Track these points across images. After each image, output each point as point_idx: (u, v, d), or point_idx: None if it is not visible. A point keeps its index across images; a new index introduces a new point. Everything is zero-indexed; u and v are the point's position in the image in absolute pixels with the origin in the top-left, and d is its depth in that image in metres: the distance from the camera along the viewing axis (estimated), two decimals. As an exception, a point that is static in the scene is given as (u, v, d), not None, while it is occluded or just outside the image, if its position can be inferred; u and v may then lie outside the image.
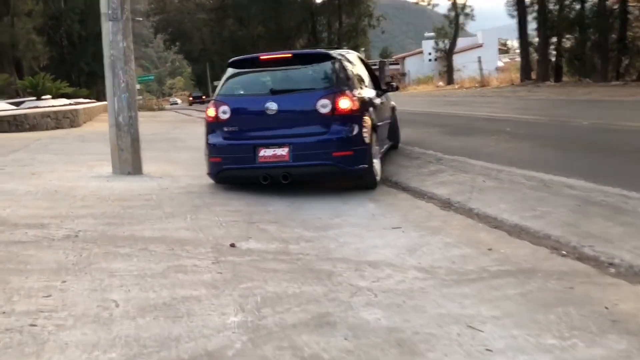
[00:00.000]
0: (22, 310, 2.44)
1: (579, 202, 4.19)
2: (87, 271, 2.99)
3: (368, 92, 6.02)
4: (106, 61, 6.20)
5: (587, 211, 3.99)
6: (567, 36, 25.68)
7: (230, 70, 5.66)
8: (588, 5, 24.42)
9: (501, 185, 4.99)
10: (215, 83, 53.61)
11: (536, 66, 27.34)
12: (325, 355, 2.11)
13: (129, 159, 6.18)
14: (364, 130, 5.20)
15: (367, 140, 5.21)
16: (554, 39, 26.09)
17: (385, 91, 7.14)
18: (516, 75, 28.86)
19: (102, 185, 5.52)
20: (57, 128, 13.55)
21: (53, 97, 19.47)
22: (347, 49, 6.82)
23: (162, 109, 42.91)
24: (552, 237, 3.58)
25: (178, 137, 12.37)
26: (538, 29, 26.43)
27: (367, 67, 6.92)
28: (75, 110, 15.34)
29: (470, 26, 46.65)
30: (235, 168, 5.25)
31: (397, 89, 8.07)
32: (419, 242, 3.67)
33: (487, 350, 2.16)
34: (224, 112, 5.30)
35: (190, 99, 60.71)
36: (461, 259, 3.29)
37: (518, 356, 2.11)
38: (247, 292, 2.74)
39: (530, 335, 2.27)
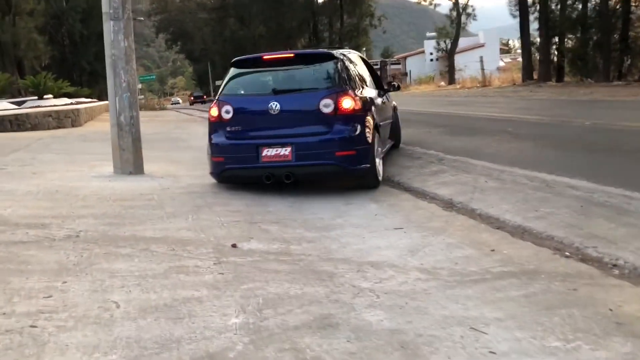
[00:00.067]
0: (22, 311, 2.43)
1: (582, 202, 4.16)
2: (88, 272, 2.98)
3: (370, 92, 6.03)
4: (108, 61, 6.19)
5: (590, 212, 3.96)
6: (569, 36, 25.61)
7: (233, 70, 5.67)
8: (590, 5, 24.36)
9: (503, 186, 4.96)
10: (217, 82, 53.66)
11: (538, 66, 27.28)
12: (327, 357, 2.09)
13: (130, 158, 6.17)
14: (367, 129, 5.21)
15: (369, 139, 5.22)
16: (556, 39, 26.04)
17: (386, 91, 7.14)
18: (518, 75, 28.81)
19: (104, 185, 5.51)
20: (59, 127, 13.55)
21: (55, 97, 19.48)
22: (349, 48, 6.81)
23: (163, 108, 42.92)
24: (555, 238, 3.56)
25: (179, 137, 12.37)
26: (540, 29, 26.37)
27: (369, 66, 6.91)
28: (77, 109, 15.34)
29: (471, 26, 46.61)
30: (238, 168, 5.26)
31: (398, 88, 8.07)
32: (421, 243, 3.65)
33: (491, 352, 2.14)
34: (227, 112, 5.31)
35: (191, 98, 60.74)
36: (464, 260, 3.27)
37: (522, 359, 2.09)
38: (249, 293, 2.72)
39: (534, 338, 2.25)
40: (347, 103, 5.11)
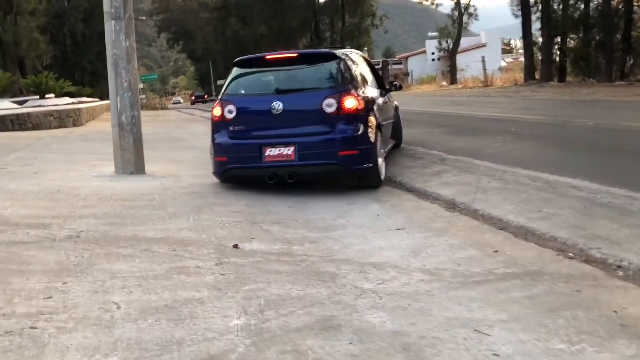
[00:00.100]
0: (22, 312, 2.41)
1: (585, 203, 4.14)
2: (89, 272, 2.97)
3: (372, 92, 6.02)
4: (109, 60, 6.18)
5: (594, 213, 3.94)
6: (572, 36, 25.55)
7: (235, 70, 5.68)
8: (592, 4, 24.31)
9: (506, 186, 4.94)
10: (219, 82, 53.77)
11: (540, 66, 27.22)
12: (329, 360, 2.08)
13: (131, 158, 6.15)
14: (369, 129, 5.21)
15: (372, 139, 5.22)
16: (558, 39, 25.98)
17: (388, 90, 7.13)
18: (520, 75, 28.74)
19: (105, 185, 5.50)
20: (60, 127, 13.54)
21: (56, 96, 19.48)
22: (350, 48, 6.80)
23: (165, 108, 42.95)
24: (558, 239, 3.54)
25: (181, 137, 12.35)
26: (542, 29, 26.30)
27: (371, 66, 6.90)
28: (78, 109, 15.34)
29: (473, 26, 46.50)
30: (241, 167, 5.27)
31: (400, 88, 8.05)
32: (423, 244, 3.63)
33: (495, 355, 2.12)
34: (230, 112, 5.31)
35: (192, 98, 60.77)
36: (467, 261, 3.25)
37: (526, 362, 2.07)
38: (251, 294, 2.70)
39: (538, 340, 2.23)
40: (349, 103, 5.11)
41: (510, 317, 2.45)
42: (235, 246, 3.53)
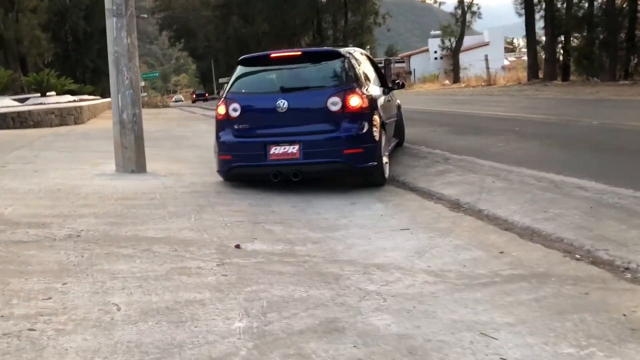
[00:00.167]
0: (21, 314, 2.37)
1: (591, 203, 4.09)
2: (89, 273, 2.93)
3: (376, 90, 6.02)
4: (110, 58, 6.14)
5: (600, 213, 3.89)
6: (575, 35, 25.44)
7: (240, 68, 5.67)
8: (596, 3, 24.19)
9: (511, 186, 4.89)
10: (221, 80, 53.76)
11: (543, 65, 27.12)
12: (333, 364, 2.04)
13: (132, 157, 6.11)
14: (374, 127, 5.22)
15: (376, 137, 5.24)
16: (562, 38, 25.87)
17: (391, 89, 7.11)
18: (523, 74, 28.63)
19: (105, 184, 5.46)
20: (61, 125, 13.51)
21: (57, 94, 19.44)
22: (353, 46, 6.77)
23: (166, 106, 42.93)
24: (565, 240, 3.50)
25: (182, 135, 12.32)
26: (545, 27, 26.21)
27: (374, 64, 6.88)
28: (80, 107, 15.31)
29: (476, 24, 46.33)
30: (245, 165, 5.27)
31: (403, 86, 8.03)
32: (428, 244, 3.59)
33: (502, 359, 2.08)
34: (235, 110, 5.30)
35: (193, 96, 60.77)
36: (472, 263, 3.20)
37: (535, 366, 2.03)
38: (253, 296, 2.66)
39: (547, 344, 2.19)
40: (354, 101, 5.11)
41: (518, 320, 2.40)
42: (237, 246, 3.49)
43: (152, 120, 17.11)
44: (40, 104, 15.75)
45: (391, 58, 50.21)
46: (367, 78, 5.86)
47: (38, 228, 3.73)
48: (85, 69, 41.22)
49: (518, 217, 4.06)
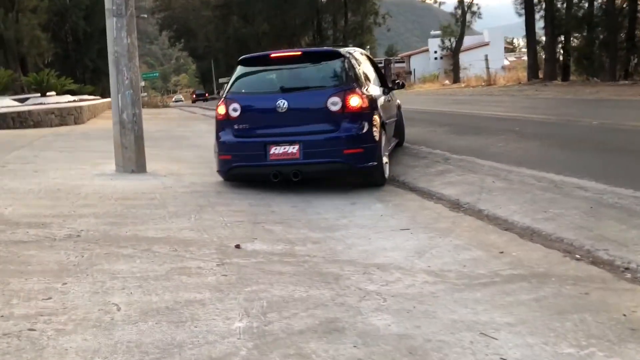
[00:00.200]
0: (21, 314, 2.37)
1: (592, 204, 4.09)
2: (89, 273, 2.93)
3: (376, 90, 6.02)
4: (110, 58, 6.14)
5: (600, 213, 3.89)
6: (575, 35, 25.42)
7: (240, 68, 5.68)
8: (596, 3, 24.18)
9: (511, 186, 4.89)
10: (221, 80, 53.71)
11: (543, 65, 27.12)
12: (333, 364, 2.04)
13: (132, 157, 6.11)
14: (374, 127, 5.23)
15: (376, 137, 5.24)
16: (562, 38, 25.86)
17: (391, 89, 7.11)
18: (523, 74, 28.62)
19: (105, 184, 5.46)
20: (61, 125, 13.51)
21: (57, 94, 19.43)
22: (353, 46, 6.78)
23: (166, 106, 42.92)
24: (565, 240, 3.50)
25: (182, 135, 12.31)
26: (545, 27, 26.20)
27: (374, 64, 6.88)
28: (80, 107, 15.31)
29: (476, 24, 46.30)
30: (245, 165, 5.27)
31: (403, 86, 8.03)
32: (428, 244, 3.59)
33: (502, 359, 2.08)
34: (235, 110, 5.31)
35: (193, 96, 60.78)
36: (472, 263, 3.20)
37: (535, 366, 2.03)
38: (253, 296, 2.66)
39: (546, 344, 2.19)
40: (354, 101, 5.12)
41: (518, 320, 2.40)
42: (238, 246, 3.49)
43: (152, 120, 17.10)
44: (40, 104, 15.74)
45: (391, 58, 50.20)
46: (367, 78, 5.86)
47: (38, 228, 3.73)
48: (85, 69, 41.22)
49: (518, 217, 4.06)
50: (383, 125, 5.58)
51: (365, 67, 6.08)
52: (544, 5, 26.23)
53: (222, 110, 5.41)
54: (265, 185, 5.42)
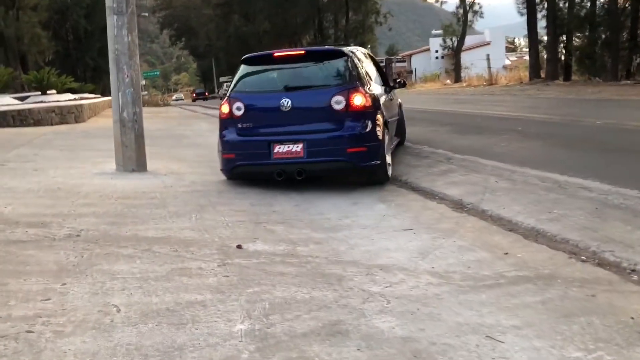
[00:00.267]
0: (19, 315, 2.34)
1: (596, 204, 4.05)
2: (88, 273, 2.89)
3: (379, 89, 6.02)
4: (111, 56, 6.10)
5: (605, 214, 3.85)
6: (577, 34, 25.36)
7: (243, 67, 5.69)
8: (599, 3, 24.12)
9: (514, 186, 4.85)
10: (221, 79, 53.62)
11: (545, 64, 27.06)
12: (337, 367, 2.00)
13: (133, 155, 6.07)
14: (377, 126, 5.24)
15: (380, 136, 5.26)
16: (564, 37, 25.80)
17: (392, 88, 7.09)
18: (525, 74, 28.56)
19: (106, 183, 5.42)
20: (62, 123, 13.46)
21: (58, 92, 19.41)
22: (354, 45, 6.76)
23: (167, 104, 42.87)
24: (570, 242, 3.45)
25: (183, 134, 12.28)
26: (547, 27, 26.11)
27: (376, 63, 6.87)
28: (80, 105, 15.26)
29: (477, 24, 46.20)
30: (249, 164, 5.28)
31: (404, 85, 8.01)
32: (431, 245, 3.55)
33: (509, 363, 2.04)
34: (238, 109, 5.32)
35: (194, 95, 60.76)
36: (476, 264, 3.16)
37: (542, 371, 1.99)
38: (255, 297, 2.62)
39: (553, 347, 2.15)
40: (358, 100, 5.13)
41: (524, 323, 2.36)
42: (239, 247, 3.45)
43: (153, 119, 17.07)
44: (41, 102, 15.70)
45: (392, 57, 50.10)
46: (369, 77, 5.86)
47: (37, 227, 3.69)
48: (86, 67, 41.19)
49: (522, 217, 4.01)
50: (386, 124, 5.58)
51: (367, 66, 6.09)
52: (546, 5, 26.16)
53: (225, 109, 5.41)
54: (267, 184, 5.39)
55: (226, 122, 5.41)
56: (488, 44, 48.90)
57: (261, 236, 3.74)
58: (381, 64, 7.55)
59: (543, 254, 3.29)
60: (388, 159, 5.59)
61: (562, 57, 26.12)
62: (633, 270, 2.96)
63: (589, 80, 23.04)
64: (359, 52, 6.15)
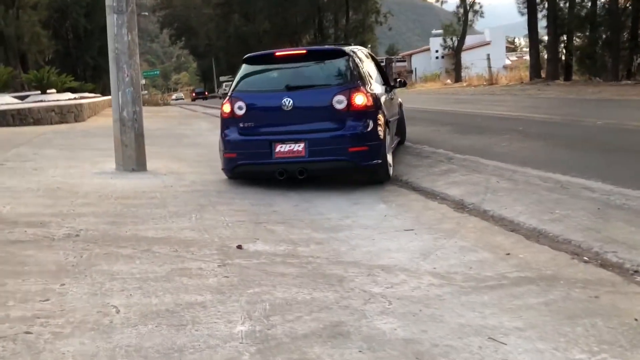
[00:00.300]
0: (17, 316, 2.31)
1: (599, 205, 4.03)
2: (88, 273, 2.86)
3: (379, 88, 6.02)
4: (110, 55, 6.07)
5: (608, 215, 3.83)
6: (578, 34, 25.33)
7: (245, 67, 5.69)
8: (600, 3, 24.08)
9: (516, 187, 4.83)
10: (221, 78, 53.56)
11: (546, 64, 27.02)
12: (339, 370, 1.98)
13: (132, 155, 6.05)
14: (379, 126, 5.25)
15: (381, 135, 5.27)
16: (564, 37, 25.76)
17: (393, 87, 7.08)
18: (525, 74, 28.53)
19: (105, 182, 5.39)
20: (62, 122, 13.43)
21: (58, 91, 19.36)
22: (354, 45, 6.75)
23: (167, 104, 42.83)
24: (572, 242, 3.43)
25: (183, 133, 12.25)
26: (548, 27, 26.06)
27: (377, 63, 6.85)
28: (80, 104, 15.23)
29: (477, 23, 46.14)
30: (251, 163, 5.28)
31: (404, 84, 8.00)
32: (433, 246, 3.52)
33: (512, 365, 2.02)
34: (240, 108, 5.32)
35: (193, 94, 60.74)
36: (478, 264, 3.14)
37: (546, 373, 1.97)
38: (255, 298, 2.60)
39: (557, 349, 2.13)
40: (359, 99, 5.14)
41: (527, 325, 2.34)
42: (239, 247, 3.42)
43: (153, 118, 17.04)
44: (41, 101, 15.66)
45: (392, 57, 50.08)
46: (370, 76, 5.86)
47: (36, 227, 3.66)
48: (85, 66, 41.17)
49: (524, 218, 3.99)
50: (387, 123, 5.59)
51: (368, 66, 6.10)
52: (546, 5, 26.12)
53: (227, 108, 5.41)
54: (267, 184, 5.37)
55: (228, 121, 5.42)
56: (488, 43, 48.86)
57: (261, 236, 3.72)
58: (381, 64, 7.54)
59: (545, 254, 3.27)
60: (389, 158, 5.60)
61: (563, 57, 26.08)
62: (636, 272, 2.94)
63: (590, 80, 23.01)
64: (360, 52, 6.14)
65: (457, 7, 39.71)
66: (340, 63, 5.47)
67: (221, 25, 52.65)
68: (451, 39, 41.20)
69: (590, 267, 3.04)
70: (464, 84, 31.22)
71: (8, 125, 11.89)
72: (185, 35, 64.52)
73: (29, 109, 12.94)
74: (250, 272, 2.97)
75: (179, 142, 10.13)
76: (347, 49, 5.65)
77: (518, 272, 2.99)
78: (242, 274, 2.94)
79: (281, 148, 5.10)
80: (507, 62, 47.05)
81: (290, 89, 5.28)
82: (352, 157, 5.07)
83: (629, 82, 20.01)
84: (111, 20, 5.98)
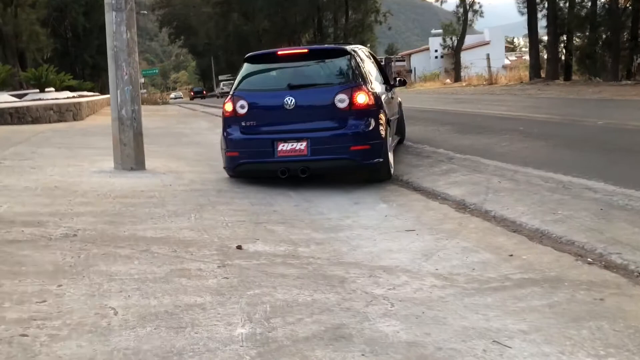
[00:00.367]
0: (13, 318, 2.26)
1: (602, 205, 3.99)
2: (85, 274, 2.82)
3: (380, 87, 6.02)
4: (109, 53, 6.03)
5: (611, 215, 3.79)
6: (578, 34, 25.30)
7: (246, 66, 5.69)
8: (600, 2, 24.06)
9: (518, 187, 4.79)
10: (220, 77, 53.48)
11: (546, 64, 27.00)
12: (341, 374, 1.94)
13: (131, 154, 6.00)
14: (380, 124, 5.26)
15: (382, 134, 5.28)
16: (564, 37, 25.74)
17: (393, 86, 7.07)
18: (525, 73, 28.51)
19: (104, 181, 5.35)
20: (60, 121, 13.38)
21: (56, 90, 19.29)
22: (354, 44, 6.73)
23: (166, 102, 42.76)
24: (576, 243, 3.39)
25: (182, 132, 12.20)
26: (548, 27, 26.04)
27: (377, 62, 6.85)
28: (79, 103, 15.18)
29: (477, 23, 46.08)
30: (253, 162, 5.28)
31: (404, 83, 7.98)
32: (434, 246, 3.49)
33: (518, 370, 1.98)
34: (242, 107, 5.32)
35: (192, 93, 60.69)
36: (481, 266, 3.10)
37: (553, 378, 1.93)
38: (255, 300, 2.56)
39: (563, 353, 2.09)
40: (361, 98, 5.14)
41: (531, 328, 2.31)
42: (239, 247, 3.38)
43: (152, 117, 17.00)
44: (39, 99, 15.59)
45: (392, 57, 49.99)
46: (371, 75, 5.86)
47: (33, 227, 3.62)
48: (84, 65, 41.07)
49: (526, 218, 3.95)
50: (388, 122, 5.59)
51: (369, 65, 6.10)
52: (546, 5, 26.09)
53: (229, 107, 5.41)
54: (267, 184, 5.33)
55: (230, 120, 5.41)
56: (488, 43, 48.78)
57: (262, 236, 3.68)
58: (381, 63, 7.52)
59: (549, 255, 3.23)
60: (390, 156, 5.61)
61: (563, 57, 26.07)
62: (641, 273, 2.91)
63: (590, 80, 22.98)
64: (361, 51, 6.14)
65: (457, 6, 39.69)
66: (342, 62, 5.47)
67: (220, 24, 52.57)
68: (451, 38, 41.20)
69: (595, 269, 3.00)
70: (464, 84, 31.21)
71: (6, 123, 11.84)
72: (185, 34, 64.44)
73: (27, 108, 12.88)
74: (250, 273, 2.93)
75: (178, 141, 10.08)
76: (348, 48, 5.65)
77: (521, 274, 2.95)
78: (242, 275, 2.90)
79: (283, 147, 5.10)
80: (507, 61, 47.01)
81: (292, 87, 5.28)
82: (354, 156, 5.08)
83: (629, 82, 19.99)
84: (110, 17, 5.93)
